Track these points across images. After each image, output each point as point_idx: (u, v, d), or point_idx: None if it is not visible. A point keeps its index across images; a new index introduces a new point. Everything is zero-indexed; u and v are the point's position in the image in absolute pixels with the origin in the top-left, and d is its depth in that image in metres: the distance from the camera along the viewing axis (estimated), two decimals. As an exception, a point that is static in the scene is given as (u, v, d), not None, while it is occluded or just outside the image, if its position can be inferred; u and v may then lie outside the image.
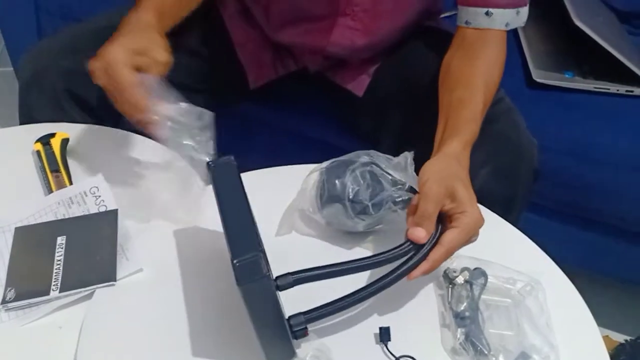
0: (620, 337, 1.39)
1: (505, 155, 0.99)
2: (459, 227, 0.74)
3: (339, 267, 0.71)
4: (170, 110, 0.77)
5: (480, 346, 0.71)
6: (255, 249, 0.62)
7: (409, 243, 0.74)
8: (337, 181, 0.82)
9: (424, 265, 0.72)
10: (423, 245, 0.74)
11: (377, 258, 0.72)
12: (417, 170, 0.81)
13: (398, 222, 0.82)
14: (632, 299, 1.49)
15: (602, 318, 0.78)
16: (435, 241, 0.74)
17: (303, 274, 0.68)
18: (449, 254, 0.74)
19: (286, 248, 0.82)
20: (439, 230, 0.75)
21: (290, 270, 0.69)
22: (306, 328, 0.68)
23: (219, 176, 0.71)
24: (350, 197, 0.81)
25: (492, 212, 0.90)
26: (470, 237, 0.75)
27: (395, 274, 0.72)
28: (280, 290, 0.66)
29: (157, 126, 0.77)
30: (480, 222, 0.75)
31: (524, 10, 0.97)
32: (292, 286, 0.67)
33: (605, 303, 0.83)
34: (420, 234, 0.73)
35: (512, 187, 1.01)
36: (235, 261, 0.61)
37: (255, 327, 0.65)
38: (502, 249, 0.82)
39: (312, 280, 0.69)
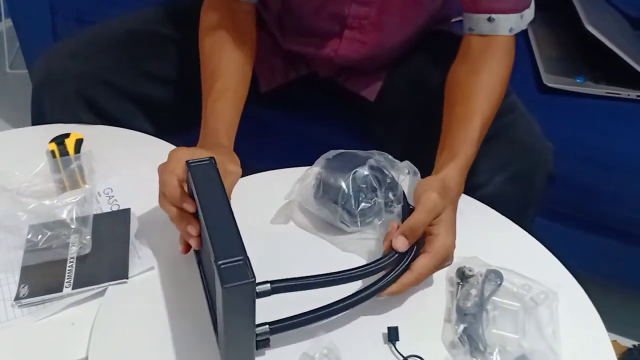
0: (628, 342, 1.39)
1: (522, 161, 0.99)
2: (430, 252, 0.75)
3: (316, 279, 0.71)
4: None
5: (477, 342, 0.71)
6: (242, 253, 0.62)
7: (387, 258, 0.75)
8: (333, 182, 0.84)
9: (393, 287, 0.74)
10: (399, 263, 0.75)
11: (353, 272, 0.73)
12: (424, 174, 0.82)
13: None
14: (640, 303, 1.49)
15: (610, 323, 0.78)
16: (408, 260, 0.75)
17: (281, 283, 0.68)
18: (418, 280, 0.75)
19: (280, 245, 0.85)
20: (412, 253, 0.76)
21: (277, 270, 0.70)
22: (268, 339, 0.69)
23: (198, 177, 0.71)
24: (342, 203, 0.83)
25: (511, 222, 0.91)
26: (442, 262, 0.76)
27: (366, 292, 0.73)
28: (257, 298, 0.65)
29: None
30: (451, 249, 0.77)
31: (528, 13, 0.96)
32: (270, 295, 0.67)
33: (613, 307, 0.83)
34: (401, 245, 0.75)
35: (528, 192, 1.01)
36: (220, 263, 0.61)
37: (225, 331, 0.64)
38: (520, 259, 0.83)
39: (290, 291, 0.69)
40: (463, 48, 0.97)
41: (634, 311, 1.48)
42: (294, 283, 0.69)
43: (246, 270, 0.61)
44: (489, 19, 0.94)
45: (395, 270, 0.74)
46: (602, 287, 0.85)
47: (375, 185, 0.84)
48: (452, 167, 0.83)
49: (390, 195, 0.85)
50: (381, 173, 0.85)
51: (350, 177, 0.84)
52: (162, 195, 0.78)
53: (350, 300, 0.72)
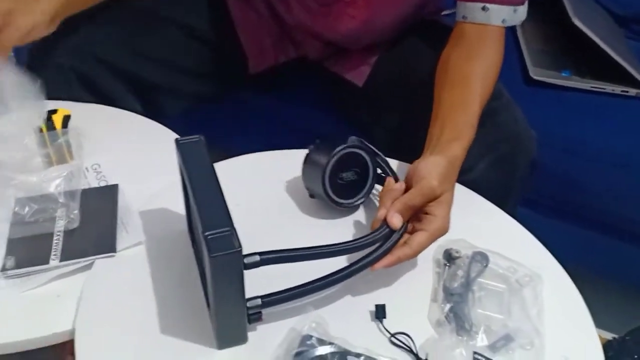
0: (608, 335, 1.41)
1: (504, 146, 1.00)
2: (428, 231, 0.76)
3: (307, 251, 0.71)
4: None
5: (463, 321, 0.72)
6: (229, 224, 0.63)
7: (377, 232, 0.76)
8: (320, 156, 0.85)
9: (388, 259, 0.74)
10: (390, 237, 0.75)
11: (344, 245, 0.74)
12: (410, 161, 0.83)
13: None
14: (621, 297, 1.51)
15: (591, 315, 0.78)
16: (400, 235, 0.76)
17: (271, 255, 0.68)
18: (414, 255, 0.76)
19: (269, 223, 0.85)
20: (406, 226, 0.77)
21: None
22: (261, 312, 0.69)
23: (187, 154, 0.72)
24: (328, 192, 0.84)
25: (498, 207, 0.92)
26: (435, 240, 0.78)
27: (359, 264, 0.73)
28: (246, 269, 0.65)
29: None
30: (446, 230, 0.78)
31: (522, 9, 0.97)
32: (259, 266, 0.67)
33: (594, 301, 0.84)
34: (397, 223, 0.75)
35: (510, 178, 1.02)
36: (207, 234, 0.61)
37: (215, 303, 0.65)
38: (506, 243, 0.84)
39: (279, 262, 0.69)
40: (456, 34, 0.98)
41: (615, 304, 1.49)
42: (283, 255, 0.69)
43: (232, 240, 0.61)
44: (483, 8, 0.95)
45: (387, 243, 0.75)
46: (583, 279, 0.86)
47: (361, 161, 0.86)
48: (458, 148, 0.84)
49: (378, 170, 0.87)
50: (368, 152, 0.86)
51: (338, 152, 0.84)
52: None
53: (344, 272, 0.72)
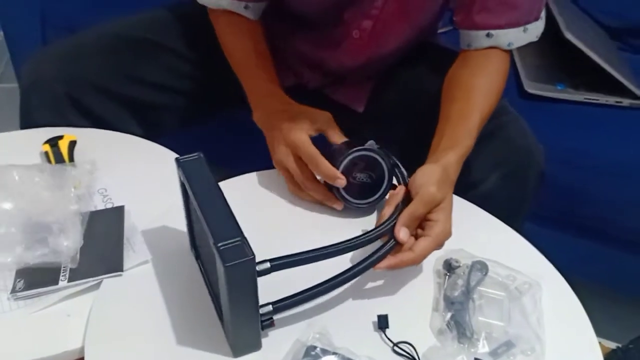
0: (612, 345, 1.41)
1: (515, 160, 1.02)
2: (431, 235, 0.78)
3: (314, 253, 0.73)
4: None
5: (465, 329, 0.73)
6: (239, 234, 0.64)
7: (381, 228, 0.78)
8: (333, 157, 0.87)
9: (392, 260, 0.76)
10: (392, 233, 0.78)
11: (350, 243, 0.76)
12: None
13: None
14: (624, 306, 1.51)
15: (594, 325, 0.79)
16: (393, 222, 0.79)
17: (280, 260, 0.70)
18: (417, 261, 0.78)
19: (276, 237, 0.86)
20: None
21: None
22: (272, 318, 0.71)
23: (189, 171, 0.73)
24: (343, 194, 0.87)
25: (495, 218, 0.93)
26: (440, 245, 0.80)
27: (363, 264, 0.75)
28: (258, 277, 0.66)
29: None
30: (449, 234, 0.80)
31: (534, 26, 0.97)
32: (270, 272, 0.69)
33: (597, 310, 0.85)
34: (405, 237, 0.77)
35: (521, 190, 1.04)
36: (219, 245, 0.63)
37: (230, 312, 0.66)
38: (505, 252, 0.85)
39: (289, 267, 0.71)
40: (462, 57, 1.00)
41: (617, 314, 1.50)
42: (292, 259, 0.71)
43: (244, 248, 0.63)
44: (488, 35, 0.96)
45: (389, 242, 0.77)
46: (585, 289, 0.87)
47: (376, 164, 0.88)
48: (452, 155, 0.86)
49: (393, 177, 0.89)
50: (384, 157, 0.88)
51: (355, 151, 0.87)
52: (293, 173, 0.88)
53: (349, 273, 0.74)
